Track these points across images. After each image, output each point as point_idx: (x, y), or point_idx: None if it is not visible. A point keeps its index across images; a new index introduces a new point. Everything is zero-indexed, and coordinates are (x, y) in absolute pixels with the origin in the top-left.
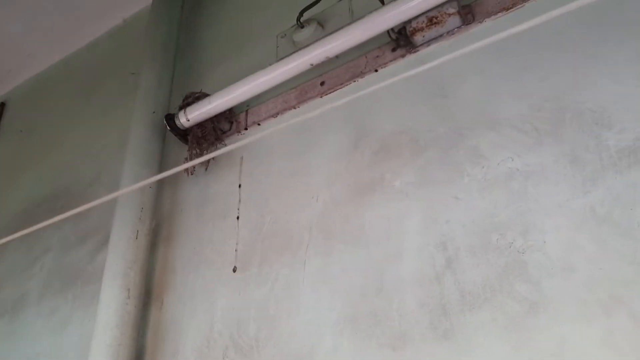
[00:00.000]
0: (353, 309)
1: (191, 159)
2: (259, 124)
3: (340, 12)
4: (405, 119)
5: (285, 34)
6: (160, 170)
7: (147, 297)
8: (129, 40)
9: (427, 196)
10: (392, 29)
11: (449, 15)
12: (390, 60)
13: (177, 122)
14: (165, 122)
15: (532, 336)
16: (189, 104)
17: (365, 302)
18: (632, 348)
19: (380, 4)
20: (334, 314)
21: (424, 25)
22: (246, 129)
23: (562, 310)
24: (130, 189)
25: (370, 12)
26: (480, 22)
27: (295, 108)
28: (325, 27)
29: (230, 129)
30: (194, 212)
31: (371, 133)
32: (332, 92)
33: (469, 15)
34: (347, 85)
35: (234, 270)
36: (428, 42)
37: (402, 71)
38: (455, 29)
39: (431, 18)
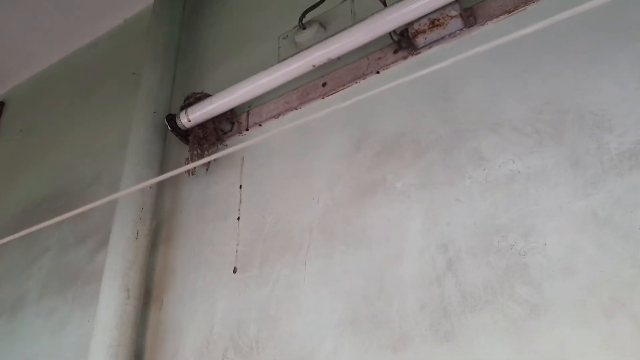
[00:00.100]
0: (354, 311)
1: (192, 159)
2: (260, 125)
3: (343, 13)
4: (407, 120)
5: (287, 35)
6: (161, 171)
7: (147, 297)
8: (129, 40)
9: (428, 198)
10: (394, 31)
11: (451, 17)
12: (392, 62)
13: (178, 122)
14: (166, 122)
15: (533, 338)
16: (190, 104)
17: (366, 303)
18: (633, 350)
19: (383, 6)
20: (334, 316)
21: (426, 27)
22: (247, 129)
23: (563, 313)
24: (131, 190)
25: (373, 14)
26: (482, 25)
27: (296, 109)
28: (327, 29)
29: (231, 130)
30: (194, 213)
31: (373, 134)
32: (334, 93)
33: (471, 17)
34: (348, 86)
35: (235, 271)
36: (430, 45)
37: (404, 73)
38: (457, 32)
39: (433, 20)
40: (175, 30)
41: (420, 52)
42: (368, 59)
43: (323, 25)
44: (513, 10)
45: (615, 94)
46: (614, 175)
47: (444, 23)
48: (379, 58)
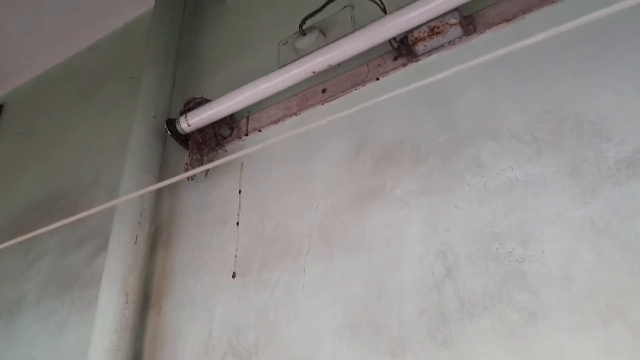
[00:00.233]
0: (353, 316)
1: (191, 164)
2: (259, 130)
3: (343, 20)
4: (406, 127)
5: (287, 41)
6: (161, 175)
7: (146, 302)
8: (129, 43)
9: (427, 204)
10: (394, 38)
11: (451, 25)
12: (392, 69)
13: (178, 127)
14: (166, 127)
15: (531, 345)
16: (190, 109)
17: (365, 309)
18: (629, 358)
19: (383, 13)
20: (333, 321)
21: (425, 35)
22: (247, 134)
23: (561, 320)
24: (131, 197)
25: (373, 21)
26: (482, 33)
27: (296, 115)
28: (327, 35)
29: (231, 135)
30: (193, 218)
31: (373, 141)
32: (334, 99)
33: (470, 25)
34: (348, 93)
35: (234, 276)
36: (429, 52)
37: (404, 80)
38: (457, 39)
39: (433, 28)
40: (176, 34)
41: (419, 60)
42: (368, 65)
43: (323, 32)
44: (512, 19)
45: (613, 103)
46: (612, 183)
47: (443, 31)
48: (379, 65)
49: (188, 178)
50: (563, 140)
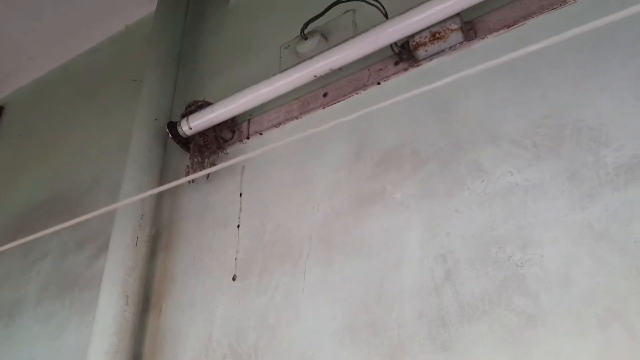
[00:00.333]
0: (352, 319)
1: (192, 167)
2: (261, 134)
3: (344, 25)
4: (407, 131)
5: (289, 45)
6: (162, 178)
7: (146, 304)
8: (130, 46)
9: (427, 209)
10: (395, 43)
11: (452, 31)
12: (393, 74)
13: (179, 129)
14: (167, 129)
15: (529, 349)
16: (191, 112)
17: (364, 312)
18: None
19: (384, 18)
20: (333, 324)
21: (426, 40)
22: (248, 138)
23: (560, 323)
24: (132, 200)
25: (374, 25)
26: (482, 39)
27: (297, 118)
28: (328, 39)
29: (232, 138)
30: (194, 220)
31: (373, 144)
32: (335, 103)
33: (471, 31)
34: (349, 97)
35: (234, 279)
36: (430, 57)
37: (405, 84)
38: (458, 45)
39: (434, 33)
40: (177, 37)
41: (420, 64)
42: (369, 70)
43: (325, 36)
44: (512, 25)
45: (612, 109)
46: (610, 189)
47: (444, 36)
48: (380, 69)
49: (189, 181)
50: (562, 146)
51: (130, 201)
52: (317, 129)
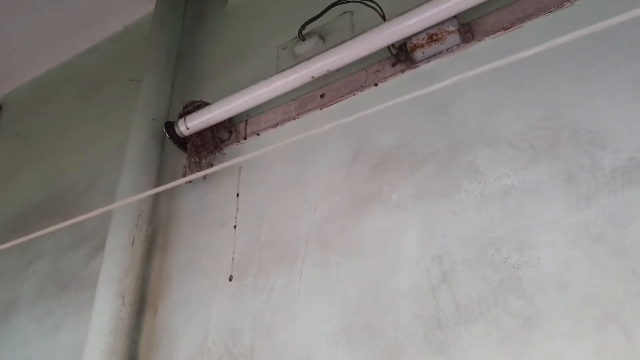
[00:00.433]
0: (349, 321)
1: (190, 167)
2: (258, 134)
3: (342, 26)
4: (404, 133)
5: (287, 46)
6: (159, 178)
7: (142, 304)
8: (129, 46)
9: (424, 210)
10: (393, 45)
11: (449, 33)
12: (390, 75)
13: (176, 130)
14: (165, 129)
15: (525, 351)
16: (189, 113)
17: (361, 313)
18: None
19: (382, 20)
20: (329, 325)
21: (424, 41)
22: (245, 138)
23: (556, 326)
24: (130, 201)
25: (372, 27)
26: (480, 41)
27: (295, 119)
28: (326, 41)
29: (229, 138)
30: (190, 220)
31: (370, 146)
32: (332, 104)
33: (468, 33)
34: (346, 98)
35: (230, 279)
36: (428, 59)
37: (402, 86)
38: (455, 47)
39: (431, 35)
40: (176, 37)
41: (418, 66)
42: (366, 71)
43: (322, 37)
44: (510, 27)
45: (609, 112)
46: (607, 191)
47: (442, 38)
48: (377, 71)
49: (186, 182)
50: (559, 148)
51: (128, 202)
52: (316, 130)
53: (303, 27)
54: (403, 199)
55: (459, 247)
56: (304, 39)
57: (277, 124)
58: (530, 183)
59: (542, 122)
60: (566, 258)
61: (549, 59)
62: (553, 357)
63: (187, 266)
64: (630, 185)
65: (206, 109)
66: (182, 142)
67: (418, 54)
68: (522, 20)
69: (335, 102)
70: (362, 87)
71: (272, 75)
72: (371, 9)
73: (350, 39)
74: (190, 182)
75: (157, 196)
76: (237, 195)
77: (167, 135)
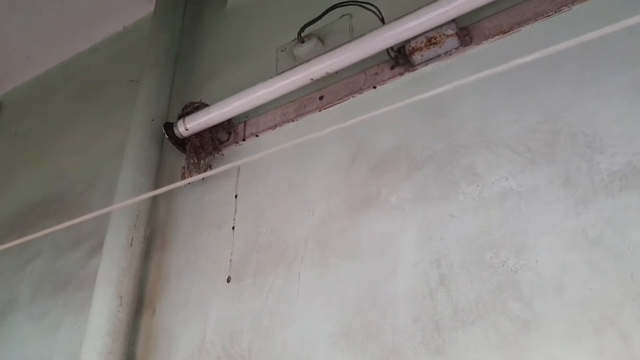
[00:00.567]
0: (347, 323)
1: (188, 168)
2: (257, 136)
3: (341, 29)
4: (402, 135)
5: (286, 48)
6: (158, 178)
7: (140, 304)
8: (128, 47)
9: (422, 213)
10: (392, 48)
11: (447, 36)
12: (389, 78)
13: (175, 130)
14: (164, 130)
15: (523, 354)
16: (188, 114)
17: (359, 315)
18: None
19: (380, 23)
20: (328, 327)
21: (422, 45)
22: (244, 139)
23: (554, 329)
24: (129, 203)
25: (371, 30)
26: (478, 45)
27: (293, 121)
28: (325, 43)
29: (228, 139)
30: (189, 221)
31: (369, 148)
32: (331, 106)
33: (466, 37)
34: (345, 100)
35: (228, 280)
36: (426, 62)
37: (401, 89)
38: (453, 50)
39: (430, 38)
40: (175, 38)
41: (416, 69)
42: (365, 74)
43: (321, 40)
44: (508, 31)
45: (607, 116)
46: (605, 195)
47: (440, 41)
48: (376, 73)
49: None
50: (557, 152)
51: (127, 204)
52: (315, 134)
53: (302, 29)
54: (401, 201)
55: (457, 250)
56: (303, 41)
57: (275, 126)
58: (528, 186)
59: (540, 126)
60: (564, 262)
61: (546, 63)
62: None
63: (185, 267)
64: (627, 190)
65: (205, 110)
66: (181, 143)
67: (417, 57)
68: (520, 24)
69: (334, 104)
70: (360, 90)
71: (271, 77)
72: (370, 12)
73: (349, 41)
74: (189, 183)
75: (155, 197)
76: (236, 196)
77: (166, 136)
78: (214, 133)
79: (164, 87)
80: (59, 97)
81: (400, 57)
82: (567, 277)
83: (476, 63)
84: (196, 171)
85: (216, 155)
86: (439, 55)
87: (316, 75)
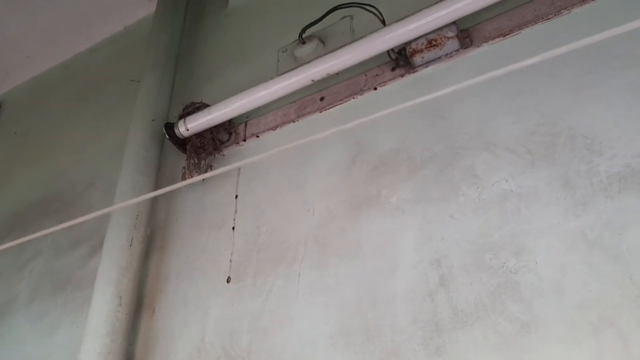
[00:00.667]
0: (346, 323)
1: (189, 168)
2: (257, 136)
3: (342, 30)
4: (403, 136)
5: (287, 49)
6: (158, 178)
7: (139, 305)
8: (129, 47)
9: (422, 214)
10: (392, 49)
11: (448, 38)
12: (390, 79)
13: (176, 131)
14: (164, 130)
15: (523, 355)
16: (188, 114)
17: (358, 316)
18: None
19: (381, 25)
20: (327, 328)
21: (423, 47)
22: (245, 140)
23: (553, 331)
24: (130, 203)
25: (372, 32)
26: (478, 47)
27: (294, 122)
28: (326, 44)
29: (228, 140)
30: (189, 221)
31: (369, 149)
32: (332, 107)
33: (467, 39)
34: (346, 101)
35: (228, 281)
36: (427, 64)
37: (401, 90)
38: (454, 52)
39: (430, 40)
40: (176, 39)
41: (417, 71)
42: (366, 75)
43: (322, 41)
44: (508, 34)
45: (606, 118)
46: (604, 197)
47: (440, 43)
48: (377, 75)
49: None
50: (556, 154)
51: (127, 204)
52: (316, 135)
53: (303, 30)
54: (401, 202)
55: (456, 251)
56: (304, 42)
57: (276, 126)
58: (528, 188)
59: (540, 128)
60: (563, 263)
61: (546, 66)
62: None
63: (185, 267)
64: (626, 192)
65: (206, 110)
66: (182, 143)
67: (417, 59)
68: (520, 27)
69: (335, 106)
70: (361, 91)
71: (272, 78)
72: (371, 14)
73: (350, 43)
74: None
75: (155, 197)
76: (236, 196)
77: (167, 136)
78: (215, 133)
79: (164, 87)
80: (58, 96)
81: (401, 59)
82: (567, 278)
83: (476, 65)
84: (197, 171)
85: (217, 155)
86: (439, 57)
87: (317, 76)
